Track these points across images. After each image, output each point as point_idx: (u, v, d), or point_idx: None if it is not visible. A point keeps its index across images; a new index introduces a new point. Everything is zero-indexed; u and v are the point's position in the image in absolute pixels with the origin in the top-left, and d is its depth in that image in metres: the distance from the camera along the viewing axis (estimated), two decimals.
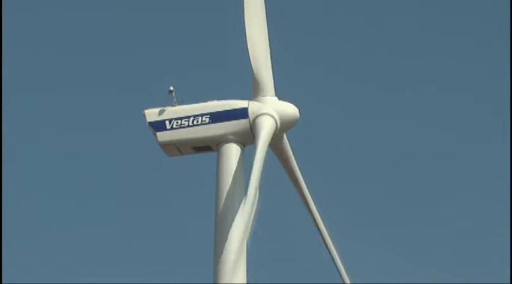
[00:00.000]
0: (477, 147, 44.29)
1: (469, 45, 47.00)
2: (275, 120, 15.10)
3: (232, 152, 15.14)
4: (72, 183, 42.45)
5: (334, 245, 16.80)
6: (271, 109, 15.22)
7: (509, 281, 29.49)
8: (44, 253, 39.44)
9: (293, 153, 16.18)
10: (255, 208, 13.48)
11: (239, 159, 15.14)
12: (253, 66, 15.47)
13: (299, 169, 16.33)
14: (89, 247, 38.72)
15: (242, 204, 14.02)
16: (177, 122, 15.41)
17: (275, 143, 15.61)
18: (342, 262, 16.89)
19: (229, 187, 14.73)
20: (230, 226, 14.40)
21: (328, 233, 16.78)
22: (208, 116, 15.37)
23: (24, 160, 41.95)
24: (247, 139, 15.28)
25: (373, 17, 45.91)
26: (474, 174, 43.21)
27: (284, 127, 15.46)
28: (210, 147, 15.52)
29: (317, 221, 16.65)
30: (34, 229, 40.68)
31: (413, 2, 47.42)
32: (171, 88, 15.68)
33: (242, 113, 15.22)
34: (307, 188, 16.52)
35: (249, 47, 15.62)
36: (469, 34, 47.32)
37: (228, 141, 15.21)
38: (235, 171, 14.90)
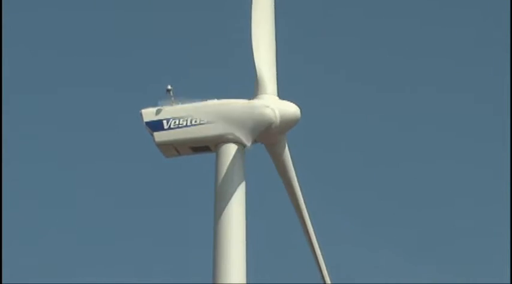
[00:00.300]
0: (477, 147, 44.23)
1: (469, 44, 46.91)
2: (275, 114, 14.83)
3: (232, 152, 14.83)
4: (70, 183, 42.36)
5: (321, 249, 16.36)
6: (272, 105, 14.99)
7: (509, 281, 29.42)
8: (43, 252, 39.33)
9: (292, 162, 15.62)
10: None
11: (239, 159, 14.85)
12: (255, 62, 15.28)
13: (296, 175, 15.72)
14: (88, 247, 38.65)
15: None
16: (174, 122, 15.08)
17: (274, 145, 15.30)
18: (326, 266, 16.46)
19: (229, 190, 14.49)
20: (229, 228, 14.17)
21: (316, 238, 16.32)
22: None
23: (23, 160, 41.84)
24: None
25: (374, 17, 45.78)
26: (474, 174, 43.17)
27: (284, 126, 15.11)
28: (209, 147, 15.24)
29: (306, 224, 15.96)
30: (33, 229, 40.61)
31: (413, 1, 47.30)
32: (169, 87, 15.32)
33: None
34: (302, 193, 15.85)
35: (253, 43, 15.41)
36: (469, 33, 47.21)
37: (228, 141, 14.92)
38: (235, 172, 14.63)
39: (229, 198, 14.49)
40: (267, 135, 15.01)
